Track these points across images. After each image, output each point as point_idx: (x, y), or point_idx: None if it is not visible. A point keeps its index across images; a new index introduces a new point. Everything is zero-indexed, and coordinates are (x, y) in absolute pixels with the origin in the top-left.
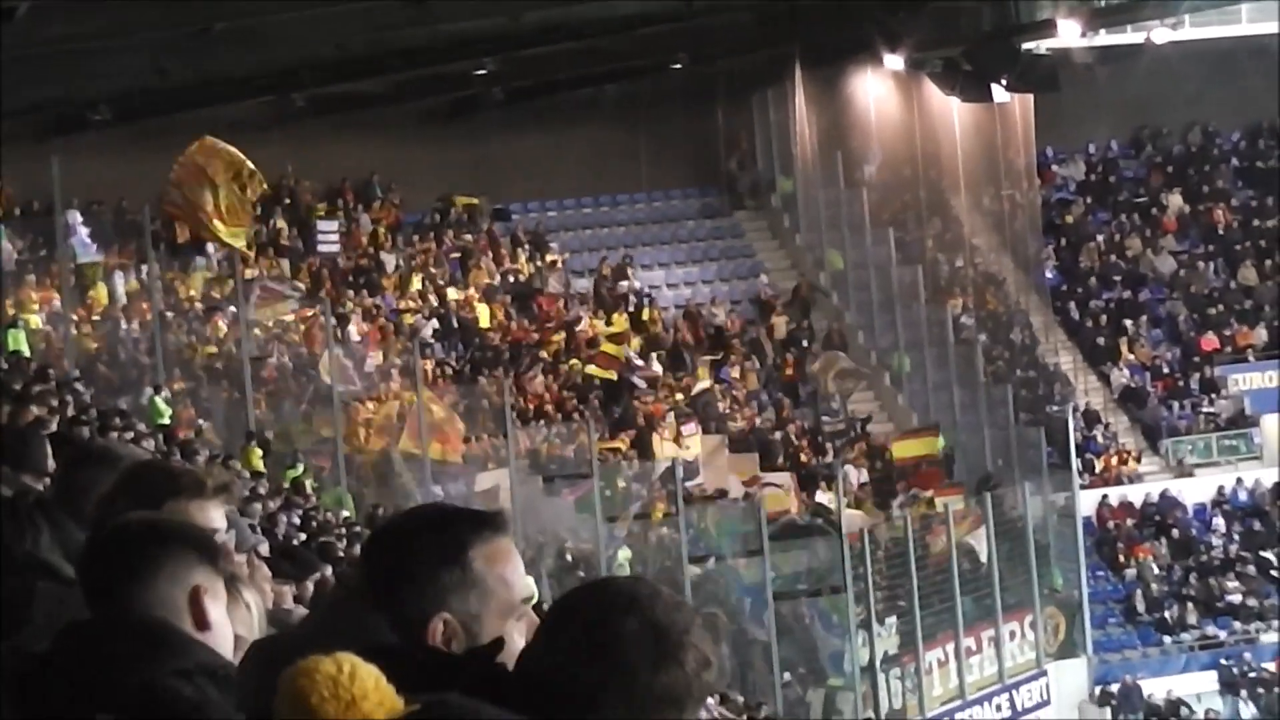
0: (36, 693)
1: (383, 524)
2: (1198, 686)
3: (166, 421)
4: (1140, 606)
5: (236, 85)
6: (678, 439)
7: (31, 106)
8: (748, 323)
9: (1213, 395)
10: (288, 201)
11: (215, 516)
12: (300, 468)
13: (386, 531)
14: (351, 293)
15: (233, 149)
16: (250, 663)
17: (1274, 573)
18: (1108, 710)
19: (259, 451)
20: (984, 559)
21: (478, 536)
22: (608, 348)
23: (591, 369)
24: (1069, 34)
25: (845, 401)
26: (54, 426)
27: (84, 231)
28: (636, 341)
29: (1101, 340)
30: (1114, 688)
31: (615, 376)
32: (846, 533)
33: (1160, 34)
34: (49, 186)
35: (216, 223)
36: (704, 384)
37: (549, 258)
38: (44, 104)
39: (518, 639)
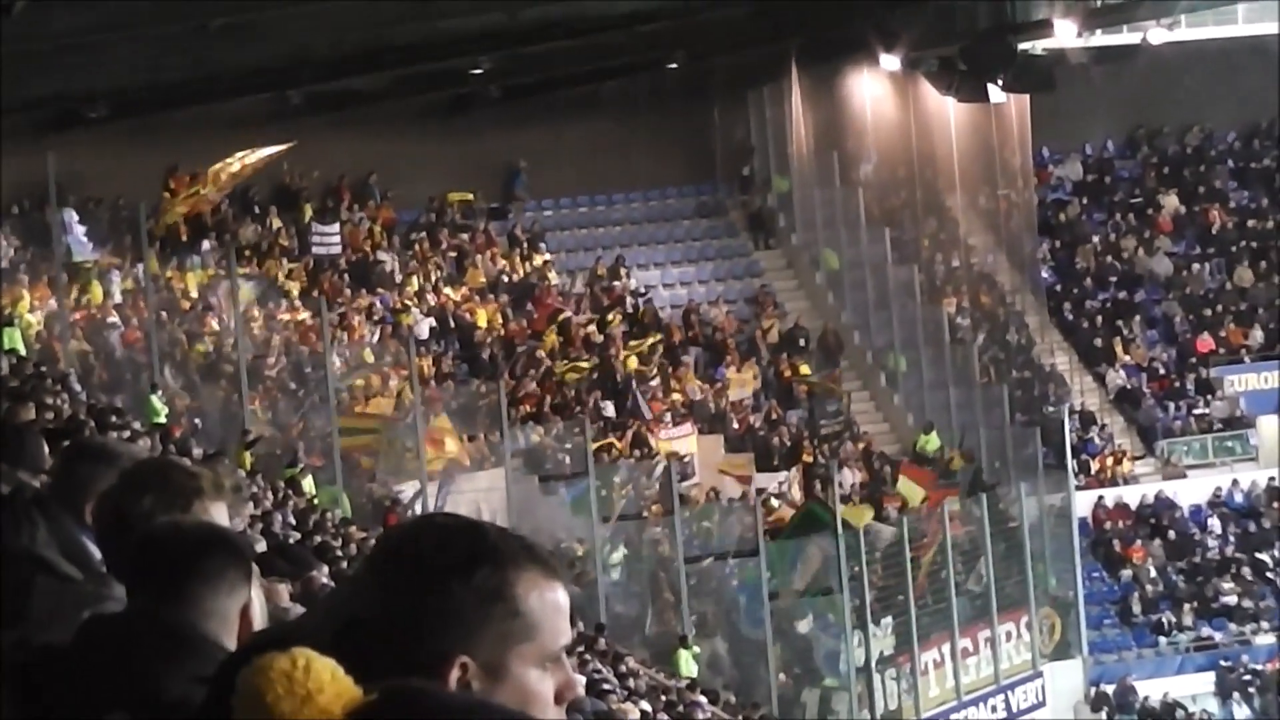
0: (47, 684)
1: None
2: (1193, 688)
3: (163, 420)
4: (1136, 608)
5: (233, 82)
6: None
7: (27, 103)
8: (743, 322)
9: (1208, 396)
10: (304, 202)
11: (224, 516)
12: (298, 466)
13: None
14: (348, 291)
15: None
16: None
17: (1270, 574)
18: (1103, 712)
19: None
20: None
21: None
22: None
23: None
24: (1065, 34)
25: (843, 403)
26: (50, 424)
27: (79, 229)
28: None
29: (1097, 341)
30: (1109, 689)
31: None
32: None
33: (1157, 34)
34: (44, 183)
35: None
36: (699, 384)
37: (544, 256)
38: (40, 100)
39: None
